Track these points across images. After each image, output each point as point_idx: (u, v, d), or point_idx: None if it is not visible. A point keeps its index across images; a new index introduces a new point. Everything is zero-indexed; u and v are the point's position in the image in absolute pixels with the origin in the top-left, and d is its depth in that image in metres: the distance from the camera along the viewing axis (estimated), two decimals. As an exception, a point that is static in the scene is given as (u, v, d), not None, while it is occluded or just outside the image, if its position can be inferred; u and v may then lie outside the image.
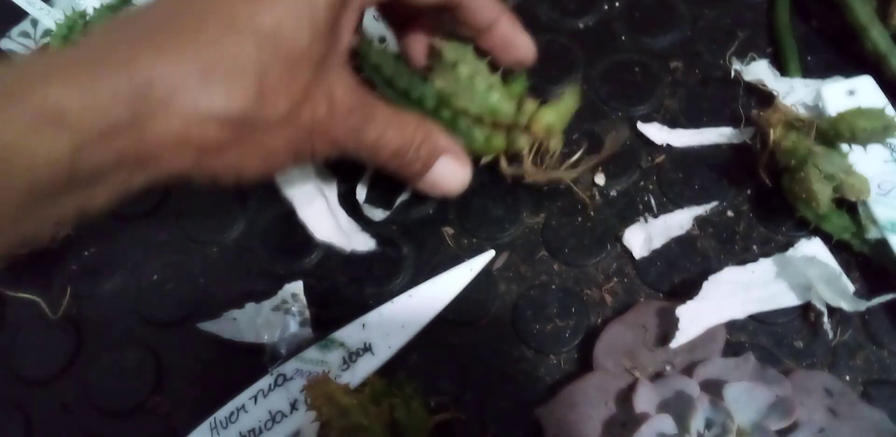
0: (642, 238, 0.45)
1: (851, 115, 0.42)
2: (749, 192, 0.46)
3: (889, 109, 0.45)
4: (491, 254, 0.46)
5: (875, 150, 0.44)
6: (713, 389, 0.37)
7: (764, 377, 0.38)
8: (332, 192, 0.49)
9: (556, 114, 0.43)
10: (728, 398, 0.36)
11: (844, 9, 0.50)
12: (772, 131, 0.44)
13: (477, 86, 0.42)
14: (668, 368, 0.41)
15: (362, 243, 0.47)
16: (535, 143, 0.44)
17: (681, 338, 0.40)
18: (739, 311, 0.42)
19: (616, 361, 0.41)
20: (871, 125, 0.41)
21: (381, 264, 0.46)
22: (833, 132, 0.42)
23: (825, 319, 0.41)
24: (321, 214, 0.48)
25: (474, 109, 0.42)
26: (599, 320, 0.43)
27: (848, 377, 0.41)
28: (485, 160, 0.45)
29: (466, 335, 0.44)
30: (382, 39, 0.50)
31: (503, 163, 0.45)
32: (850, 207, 0.43)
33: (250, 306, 0.45)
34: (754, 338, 0.42)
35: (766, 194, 0.45)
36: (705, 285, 0.41)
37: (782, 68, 0.50)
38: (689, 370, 0.39)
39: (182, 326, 0.46)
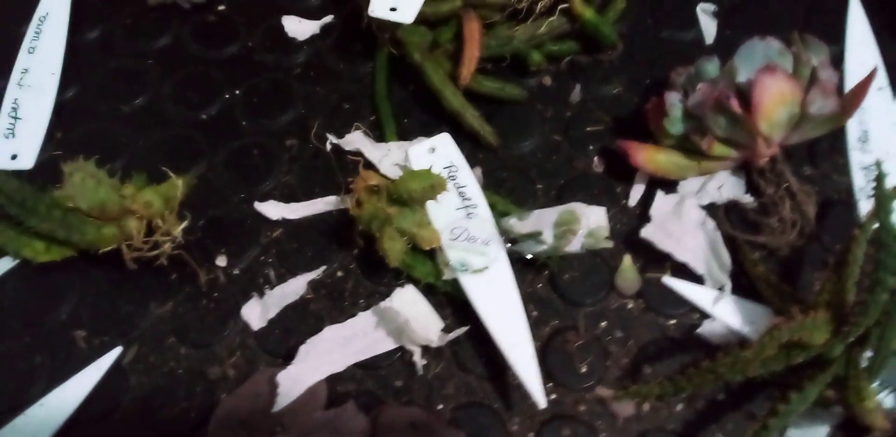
0: (258, 311, 0.51)
1: (404, 178, 0.50)
2: (356, 251, 0.53)
3: (461, 161, 0.54)
4: (118, 350, 0.50)
5: (449, 199, 0.52)
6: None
7: (351, 421, 0.45)
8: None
9: (154, 193, 0.50)
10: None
11: (422, 75, 0.59)
12: (352, 198, 0.51)
13: (87, 186, 0.47)
14: (278, 430, 0.46)
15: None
16: (143, 223, 0.49)
17: (282, 401, 0.46)
18: (340, 364, 0.48)
19: (231, 432, 0.46)
20: (419, 186, 0.49)
21: (11, 376, 0.50)
22: (395, 194, 0.50)
23: (417, 357, 0.48)
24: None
25: (85, 206, 0.48)
26: (224, 395, 0.49)
27: (441, 406, 0.47)
28: (104, 250, 0.50)
29: (103, 432, 0.48)
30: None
31: (125, 251, 0.50)
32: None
33: None
34: (361, 385, 0.48)
35: (369, 252, 0.52)
36: (302, 348, 0.48)
37: (381, 134, 0.58)
38: (293, 429, 0.45)
39: None
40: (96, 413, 0.48)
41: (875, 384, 0.45)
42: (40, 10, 0.65)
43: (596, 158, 0.57)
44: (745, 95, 0.50)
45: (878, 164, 0.40)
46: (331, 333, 0.49)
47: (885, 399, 0.45)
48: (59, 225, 0.49)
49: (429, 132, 0.57)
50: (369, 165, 0.56)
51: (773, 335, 0.40)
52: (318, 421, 0.44)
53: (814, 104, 0.49)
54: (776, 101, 0.49)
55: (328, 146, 0.57)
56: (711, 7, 0.64)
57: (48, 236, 0.50)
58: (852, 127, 0.56)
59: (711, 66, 0.53)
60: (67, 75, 0.62)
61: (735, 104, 0.49)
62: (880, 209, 0.39)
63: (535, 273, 0.52)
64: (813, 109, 0.49)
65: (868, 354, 0.43)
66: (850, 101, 0.51)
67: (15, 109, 0.60)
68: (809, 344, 0.43)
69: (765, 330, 0.41)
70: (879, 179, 0.40)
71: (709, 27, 0.63)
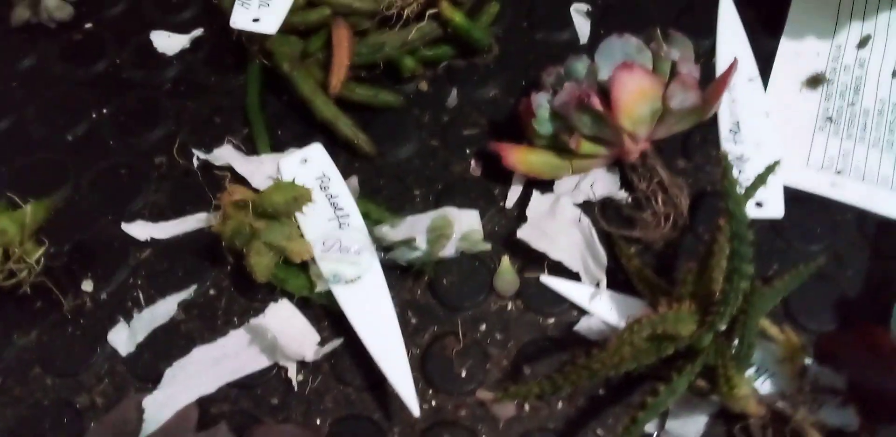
0: (126, 335, 0.49)
1: (268, 191, 0.49)
2: (229, 268, 0.52)
3: (333, 172, 0.53)
4: (-21, 385, 0.48)
5: (319, 210, 0.51)
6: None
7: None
8: None
9: (8, 219, 0.48)
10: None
11: (293, 85, 0.58)
12: (219, 214, 0.50)
13: None
14: (147, 457, 0.44)
15: None
16: (2, 252, 0.47)
17: (149, 427, 0.45)
18: (211, 386, 0.47)
19: None
20: (283, 198, 0.48)
21: None
22: (261, 208, 0.49)
23: (292, 373, 0.47)
24: None
25: None
26: (92, 424, 0.47)
27: (319, 420, 0.46)
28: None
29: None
30: None
31: None
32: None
33: None
34: (236, 405, 0.47)
35: (241, 268, 0.51)
36: (168, 371, 0.46)
37: (255, 147, 0.57)
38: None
39: None
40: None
41: (751, 371, 0.46)
42: None
43: (473, 162, 0.57)
44: (607, 92, 0.50)
45: (723, 155, 0.40)
46: (200, 354, 0.47)
47: (762, 385, 0.46)
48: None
49: (304, 143, 0.56)
50: (241, 180, 0.55)
51: (634, 329, 0.41)
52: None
53: (674, 98, 0.50)
54: (636, 97, 0.49)
55: (195, 162, 0.55)
56: (584, 7, 0.65)
57: None
58: (724, 119, 0.57)
59: (581, 65, 0.54)
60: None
61: (596, 102, 0.49)
62: (729, 199, 0.40)
63: (414, 280, 0.51)
64: (674, 103, 0.50)
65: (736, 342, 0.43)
66: (712, 94, 0.52)
67: None
68: (678, 336, 0.43)
69: (628, 324, 0.41)
70: (725, 170, 0.40)
71: (583, 27, 0.64)
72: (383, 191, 0.55)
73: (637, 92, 0.49)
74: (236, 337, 0.48)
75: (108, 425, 0.46)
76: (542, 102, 0.52)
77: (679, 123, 0.52)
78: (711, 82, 0.52)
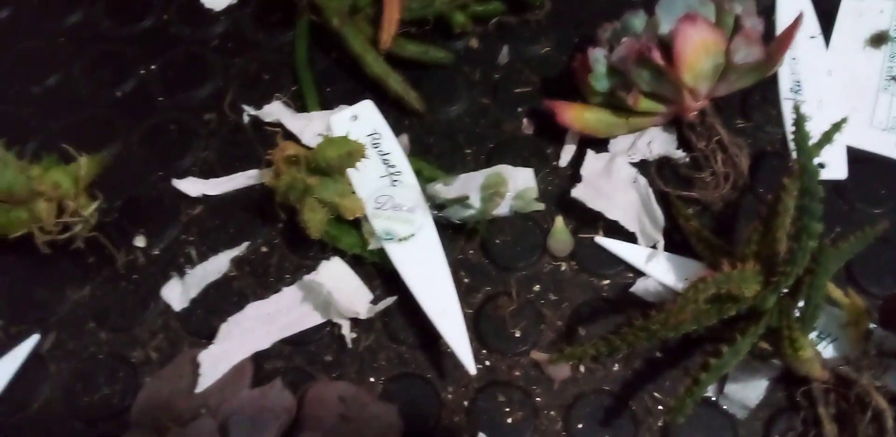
0: (179, 291, 0.49)
1: (322, 146, 0.48)
2: (280, 226, 0.51)
3: (384, 128, 0.52)
4: (35, 338, 0.48)
5: (371, 167, 0.50)
6: (237, 424, 0.42)
7: (277, 399, 0.43)
8: None
9: (62, 172, 0.48)
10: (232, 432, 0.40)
11: (342, 41, 0.56)
12: (272, 170, 0.49)
13: None
14: (203, 411, 0.44)
15: None
16: (54, 205, 0.47)
17: (204, 382, 0.45)
18: (265, 342, 0.47)
19: (154, 415, 0.44)
20: (336, 153, 0.47)
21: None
22: (314, 163, 0.48)
23: (346, 330, 0.47)
24: None
25: None
26: (148, 379, 0.47)
27: (372, 379, 0.46)
28: (15, 236, 0.47)
29: (25, 422, 0.46)
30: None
31: (37, 234, 0.48)
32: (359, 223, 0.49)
33: None
34: (290, 362, 0.47)
35: (293, 225, 0.50)
36: (223, 326, 0.46)
37: (304, 104, 0.56)
38: (218, 410, 0.43)
39: None
40: (16, 403, 0.47)
41: (814, 335, 0.45)
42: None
43: (525, 120, 0.55)
44: (668, 47, 0.48)
45: (795, 107, 0.38)
46: (254, 310, 0.47)
47: (824, 350, 0.44)
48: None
49: (353, 100, 0.55)
50: (291, 137, 0.54)
51: (698, 288, 0.39)
52: (244, 400, 0.43)
53: (738, 53, 0.48)
54: (699, 51, 0.47)
55: (245, 119, 0.54)
56: (639, -39, 0.62)
57: (-44, 222, 0.48)
58: (784, 77, 0.55)
59: (638, 20, 0.52)
60: (-25, 57, 0.59)
61: (657, 56, 0.47)
62: (801, 153, 0.38)
63: (466, 239, 0.50)
64: (737, 57, 0.48)
65: (802, 304, 0.41)
66: (776, 49, 0.49)
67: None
68: (741, 297, 0.42)
69: (691, 283, 0.40)
70: (798, 122, 0.39)
71: (637, -18, 0.62)
72: (434, 149, 0.54)
73: (700, 45, 0.47)
74: (290, 294, 0.48)
75: (163, 378, 0.46)
76: (599, 57, 0.50)
77: (741, 80, 0.50)
78: (774, 38, 0.49)
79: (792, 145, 0.51)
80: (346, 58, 0.57)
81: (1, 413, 0.47)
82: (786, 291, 0.41)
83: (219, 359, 0.45)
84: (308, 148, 0.52)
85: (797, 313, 0.41)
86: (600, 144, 0.53)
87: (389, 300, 0.47)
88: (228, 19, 0.61)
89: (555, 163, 0.53)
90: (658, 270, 0.48)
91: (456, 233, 0.50)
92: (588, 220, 0.50)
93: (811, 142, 0.40)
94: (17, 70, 0.60)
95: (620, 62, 0.49)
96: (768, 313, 0.42)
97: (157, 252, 0.51)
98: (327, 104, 0.56)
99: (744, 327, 0.41)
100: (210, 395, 0.44)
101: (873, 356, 0.43)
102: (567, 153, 0.53)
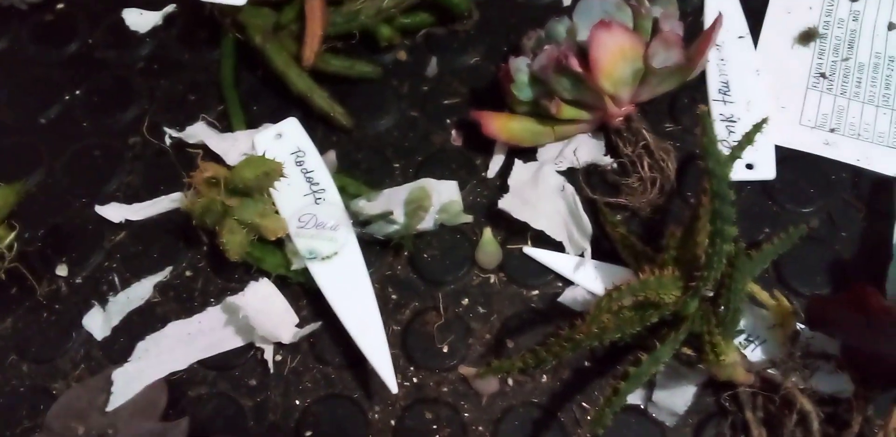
0: (101, 320, 0.48)
1: (240, 166, 0.47)
2: (205, 248, 0.50)
3: (308, 146, 0.51)
4: (-45, 373, 0.47)
5: (294, 185, 0.49)
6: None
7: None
8: None
9: None
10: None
11: (266, 58, 0.56)
12: (191, 193, 0.48)
13: None
14: (109, 432, 0.43)
15: None
16: None
17: (115, 400, 0.44)
18: (183, 362, 0.46)
19: (65, 424, 0.43)
20: (253, 173, 0.46)
21: None
22: (233, 184, 0.47)
23: (269, 355, 0.46)
24: None
25: None
26: (73, 385, 0.46)
27: (298, 401, 0.45)
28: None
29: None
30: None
31: None
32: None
33: None
34: (214, 387, 0.46)
35: (217, 248, 0.49)
36: (140, 344, 0.45)
37: (230, 124, 0.55)
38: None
39: None
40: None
41: (742, 338, 0.44)
42: None
43: (454, 132, 0.55)
44: (586, 53, 0.48)
45: (703, 112, 0.38)
46: (173, 329, 0.47)
47: (752, 353, 0.44)
48: None
49: (280, 118, 0.54)
50: (216, 158, 0.53)
51: (613, 296, 0.39)
52: (143, 433, 0.42)
53: (656, 57, 0.48)
54: (615, 56, 0.47)
55: (168, 141, 0.53)
56: (566, -33, 0.62)
57: None
58: (713, 78, 0.55)
59: (562, 27, 0.52)
60: None
61: (574, 63, 0.47)
62: (708, 157, 0.37)
63: (394, 255, 0.49)
64: (656, 61, 0.48)
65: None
66: (696, 51, 0.49)
67: None
68: (662, 303, 0.41)
69: (607, 291, 0.39)
70: (703, 126, 0.38)
71: (566, -11, 0.61)
72: (362, 164, 0.53)
73: (617, 51, 0.47)
74: (212, 314, 0.47)
75: (85, 389, 0.45)
76: (520, 67, 0.50)
77: (663, 84, 0.50)
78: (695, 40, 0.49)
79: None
80: (272, 75, 0.56)
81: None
82: (708, 295, 0.41)
83: (132, 378, 0.44)
84: (230, 168, 0.51)
85: (720, 318, 0.41)
86: (529, 154, 0.52)
87: (314, 326, 0.46)
88: (154, 41, 0.60)
89: (484, 174, 0.52)
90: (586, 278, 0.47)
91: (383, 249, 0.49)
92: (517, 230, 0.49)
93: (720, 141, 0.39)
94: (-59, 99, 0.59)
95: (541, 71, 0.49)
96: (689, 319, 0.41)
97: (79, 281, 0.50)
98: (254, 123, 0.55)
99: (664, 334, 0.41)
100: (120, 417, 0.43)
101: (800, 358, 0.42)
102: (495, 164, 0.53)
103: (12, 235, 0.48)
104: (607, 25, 0.47)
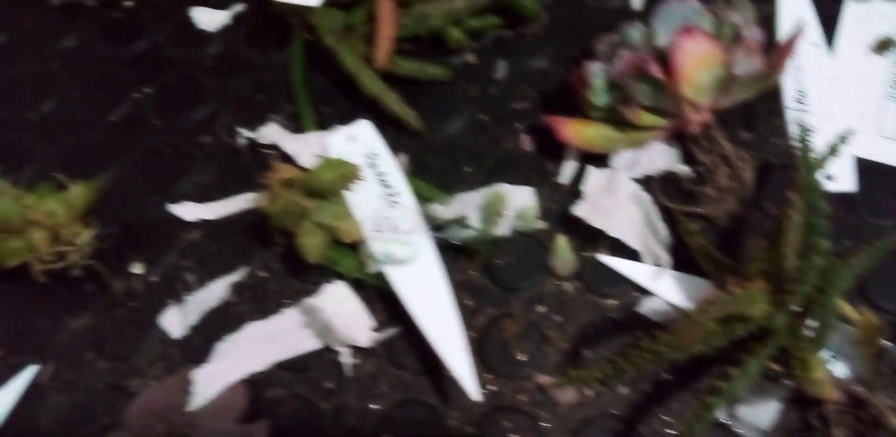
0: (178, 318, 0.48)
1: (318, 168, 0.47)
2: (278, 250, 0.50)
3: (382, 149, 0.51)
4: (33, 370, 0.47)
5: (368, 188, 0.49)
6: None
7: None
8: None
9: (57, 201, 0.47)
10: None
11: (337, 59, 0.55)
12: (266, 194, 0.48)
13: None
14: (189, 431, 0.43)
15: None
16: (48, 234, 0.46)
17: (197, 400, 0.43)
18: (262, 363, 0.46)
19: (145, 423, 0.43)
20: (332, 176, 0.46)
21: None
22: (309, 186, 0.47)
23: (345, 358, 0.46)
24: None
25: None
26: (151, 384, 0.46)
27: (374, 405, 0.45)
28: (11, 264, 0.46)
29: (22, 457, 0.45)
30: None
31: (34, 264, 0.47)
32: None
33: None
34: (290, 389, 0.46)
35: (292, 249, 0.49)
36: (219, 346, 0.45)
37: (300, 124, 0.55)
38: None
39: None
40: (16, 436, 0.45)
41: (826, 354, 0.43)
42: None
43: (524, 137, 0.54)
44: (666, 59, 0.47)
45: (801, 125, 0.37)
46: (252, 330, 0.46)
47: (837, 369, 0.43)
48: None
49: (349, 119, 0.54)
50: (287, 159, 0.53)
51: (706, 310, 0.38)
52: (224, 434, 0.42)
53: (738, 64, 0.47)
54: (697, 63, 0.46)
55: (241, 142, 0.53)
56: (637, -29, 0.61)
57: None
58: (788, 87, 0.54)
59: (635, 32, 0.51)
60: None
61: (655, 69, 0.46)
62: (806, 169, 0.37)
63: (468, 260, 0.49)
64: (738, 69, 0.47)
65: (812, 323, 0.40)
66: (777, 59, 0.48)
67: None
68: (750, 317, 0.40)
69: (697, 305, 0.39)
70: (802, 136, 0.37)
71: (635, -7, 0.61)
72: (432, 168, 0.53)
73: (699, 58, 0.46)
74: (289, 316, 0.47)
75: (163, 389, 0.45)
76: (596, 72, 0.49)
77: (743, 92, 0.49)
78: (774, 48, 0.48)
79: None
80: (342, 76, 0.56)
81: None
82: (796, 309, 0.40)
83: (213, 378, 0.44)
84: (304, 170, 0.50)
85: (809, 333, 0.40)
86: (601, 160, 0.51)
87: (391, 331, 0.46)
88: (222, 40, 0.60)
89: (555, 179, 0.52)
90: (664, 289, 0.46)
91: (456, 254, 0.49)
92: (591, 237, 0.49)
93: (816, 154, 0.39)
94: (12, 95, 0.59)
95: (619, 76, 0.48)
96: (778, 333, 0.40)
97: (154, 279, 0.50)
98: (323, 124, 0.55)
99: (753, 348, 0.40)
100: (199, 417, 0.43)
101: (887, 375, 0.41)
102: (568, 170, 0.52)
103: (90, 232, 0.48)
104: (690, 32, 0.46)
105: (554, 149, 0.53)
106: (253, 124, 0.55)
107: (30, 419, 0.46)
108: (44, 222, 0.47)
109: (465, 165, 0.53)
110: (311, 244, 0.46)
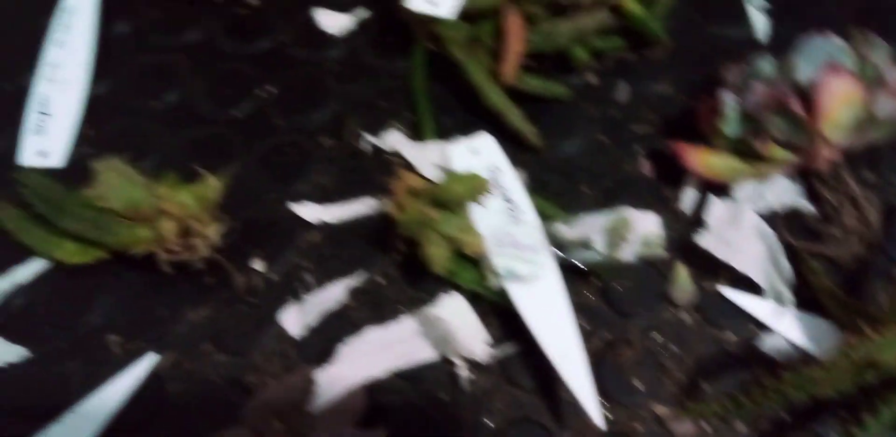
0: (298, 318, 0.49)
1: (449, 181, 0.48)
2: (396, 257, 0.50)
3: (504, 164, 0.51)
4: (154, 358, 0.48)
5: (492, 202, 0.49)
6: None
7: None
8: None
9: (189, 193, 0.47)
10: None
11: (463, 71, 0.56)
12: (393, 202, 0.49)
13: (119, 185, 0.45)
14: (308, 432, 0.44)
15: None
16: (176, 225, 0.47)
17: (317, 402, 0.44)
18: (381, 368, 0.46)
19: (265, 419, 0.44)
20: (464, 188, 0.47)
21: (44, 382, 0.47)
22: (438, 197, 0.47)
23: (462, 370, 0.46)
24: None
25: (116, 205, 0.46)
26: (271, 382, 0.47)
27: (488, 421, 0.45)
28: (137, 252, 0.47)
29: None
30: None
31: (160, 253, 0.48)
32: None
33: None
34: (405, 397, 0.46)
35: (411, 256, 0.50)
36: (341, 348, 0.46)
37: (419, 133, 0.55)
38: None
39: None
40: (135, 422, 0.46)
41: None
42: (65, 2, 0.62)
43: (643, 160, 0.54)
44: (804, 94, 0.47)
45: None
46: (371, 335, 0.47)
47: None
48: (90, 226, 0.48)
49: (468, 132, 0.54)
50: (407, 166, 0.53)
51: (847, 354, 0.38)
52: (343, 438, 0.42)
53: (879, 106, 0.46)
54: (840, 102, 0.46)
55: (366, 146, 0.54)
56: (762, 2, 0.61)
57: (79, 236, 0.48)
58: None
59: (766, 64, 0.51)
60: (97, 70, 0.60)
61: (796, 105, 0.46)
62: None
63: (584, 282, 0.49)
64: (878, 110, 0.46)
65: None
66: (917, 102, 0.48)
67: (44, 105, 0.57)
68: (882, 363, 0.40)
69: (837, 348, 0.38)
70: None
71: (759, 23, 0.60)
72: (550, 186, 0.53)
73: (843, 96, 0.46)
74: (408, 324, 0.47)
75: (284, 387, 0.45)
76: (730, 102, 0.49)
77: (877, 133, 0.49)
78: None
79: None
80: (462, 88, 0.56)
81: (118, 431, 0.46)
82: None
83: (335, 380, 0.45)
84: (426, 179, 0.51)
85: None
86: (721, 190, 0.51)
87: (510, 348, 0.46)
88: (346, 44, 0.61)
89: (674, 206, 0.51)
90: (786, 327, 0.46)
91: (572, 275, 0.49)
92: (711, 269, 0.48)
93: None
94: (139, 85, 0.60)
95: (753, 108, 0.48)
96: (912, 382, 0.40)
97: (275, 277, 0.51)
98: (442, 134, 0.55)
99: (887, 396, 0.40)
100: (319, 419, 0.44)
101: None
102: (688, 197, 0.52)
103: (219, 226, 0.49)
104: (836, 70, 0.46)
105: (673, 174, 0.52)
106: (374, 130, 0.56)
107: (150, 407, 0.47)
108: (175, 213, 0.48)
109: (582, 185, 0.53)
110: (438, 255, 0.46)
